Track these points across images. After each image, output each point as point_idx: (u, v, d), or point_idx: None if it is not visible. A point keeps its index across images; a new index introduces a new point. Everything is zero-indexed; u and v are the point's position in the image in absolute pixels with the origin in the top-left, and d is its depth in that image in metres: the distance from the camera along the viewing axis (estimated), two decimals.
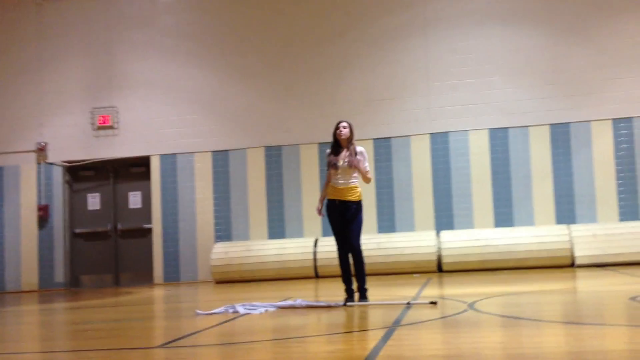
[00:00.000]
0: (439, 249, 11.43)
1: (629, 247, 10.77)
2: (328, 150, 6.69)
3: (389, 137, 12.29)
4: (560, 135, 11.75)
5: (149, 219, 13.15)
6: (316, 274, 11.65)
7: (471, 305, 5.66)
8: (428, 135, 12.18)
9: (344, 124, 6.65)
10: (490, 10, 12.22)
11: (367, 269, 6.61)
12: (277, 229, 12.55)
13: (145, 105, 13.23)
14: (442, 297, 6.67)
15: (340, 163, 6.50)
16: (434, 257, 11.37)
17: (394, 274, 11.04)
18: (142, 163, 13.28)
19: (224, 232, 12.73)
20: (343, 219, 6.49)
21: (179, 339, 4.63)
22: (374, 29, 12.53)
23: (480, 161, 11.96)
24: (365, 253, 6.58)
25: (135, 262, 13.26)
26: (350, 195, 6.50)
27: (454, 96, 12.11)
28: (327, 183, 6.65)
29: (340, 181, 6.53)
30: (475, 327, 4.50)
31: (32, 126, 13.46)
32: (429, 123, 12.17)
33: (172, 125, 13.10)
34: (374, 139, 12.21)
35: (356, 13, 12.65)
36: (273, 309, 6.13)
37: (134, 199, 13.47)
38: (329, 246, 11.08)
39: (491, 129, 11.97)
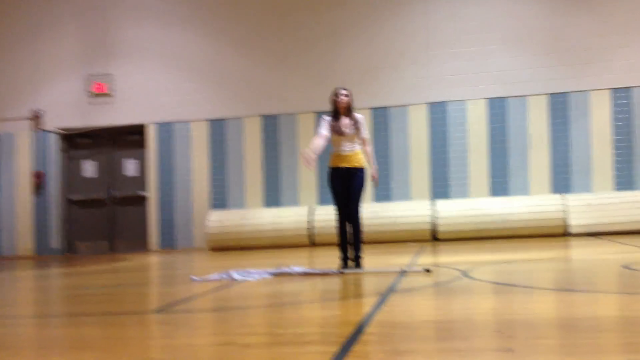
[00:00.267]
0: (435, 217, 11.46)
1: (623, 216, 10.82)
2: (327, 117, 6.58)
3: (387, 107, 12.24)
4: (559, 104, 11.70)
5: (144, 187, 13.14)
6: (311, 242, 11.69)
7: (465, 273, 5.69)
8: (426, 105, 12.13)
9: (344, 91, 6.57)
10: None
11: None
12: (273, 198, 12.56)
13: (141, 72, 13.13)
14: (437, 265, 6.70)
15: (347, 130, 6.44)
16: (429, 226, 11.42)
17: (389, 243, 11.08)
18: (138, 131, 13.23)
19: (219, 200, 12.74)
20: (348, 184, 6.46)
21: (174, 304, 4.65)
22: None
23: (477, 131, 11.94)
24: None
25: (130, 229, 13.30)
26: (355, 162, 6.49)
27: (453, 65, 12.03)
28: (321, 142, 6.44)
29: (346, 148, 6.49)
30: (468, 294, 4.52)
31: (27, 93, 13.37)
32: (427, 92, 12.11)
33: (168, 93, 13.01)
34: (372, 108, 12.15)
35: None
36: (268, 276, 6.15)
37: (130, 167, 13.44)
38: (324, 214, 11.10)
39: (489, 99, 11.93)
